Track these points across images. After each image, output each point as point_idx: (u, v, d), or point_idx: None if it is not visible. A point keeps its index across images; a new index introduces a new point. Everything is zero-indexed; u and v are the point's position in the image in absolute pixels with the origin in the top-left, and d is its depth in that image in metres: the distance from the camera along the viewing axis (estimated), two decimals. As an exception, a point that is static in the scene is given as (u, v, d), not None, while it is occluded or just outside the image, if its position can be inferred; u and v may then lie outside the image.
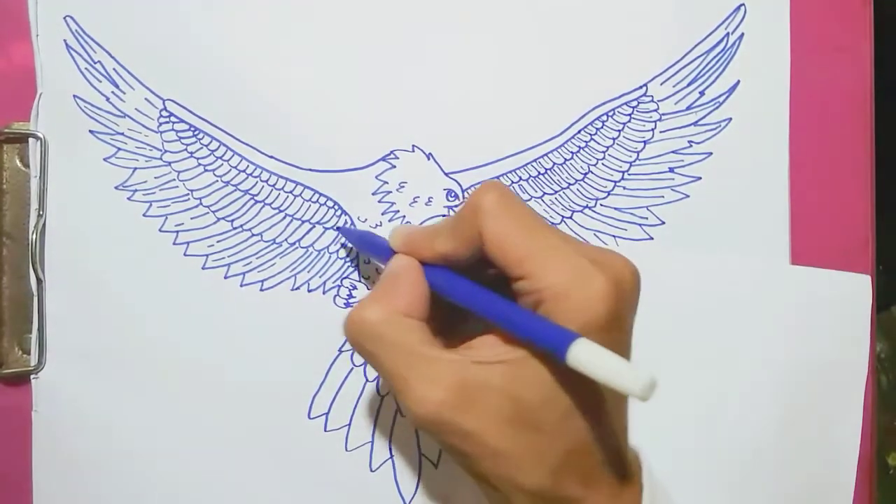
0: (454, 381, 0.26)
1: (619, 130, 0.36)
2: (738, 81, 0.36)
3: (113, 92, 0.35)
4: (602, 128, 0.36)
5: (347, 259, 0.36)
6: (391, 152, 0.36)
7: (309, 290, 0.35)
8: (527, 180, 0.36)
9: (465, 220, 0.28)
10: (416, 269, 0.30)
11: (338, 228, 0.35)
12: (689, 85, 0.36)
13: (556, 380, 0.26)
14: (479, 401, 0.26)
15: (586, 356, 0.24)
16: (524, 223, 0.27)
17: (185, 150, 0.35)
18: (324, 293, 0.36)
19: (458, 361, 0.27)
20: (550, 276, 0.26)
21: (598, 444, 0.27)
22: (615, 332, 0.26)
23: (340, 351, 0.35)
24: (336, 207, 0.36)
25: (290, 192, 0.35)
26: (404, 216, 0.36)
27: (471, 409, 0.26)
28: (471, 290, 0.28)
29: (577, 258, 0.27)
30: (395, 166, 0.36)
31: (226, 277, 0.35)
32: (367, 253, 0.35)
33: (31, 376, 0.35)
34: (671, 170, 0.36)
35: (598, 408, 0.27)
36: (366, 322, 0.28)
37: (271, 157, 0.35)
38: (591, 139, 0.36)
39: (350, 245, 0.36)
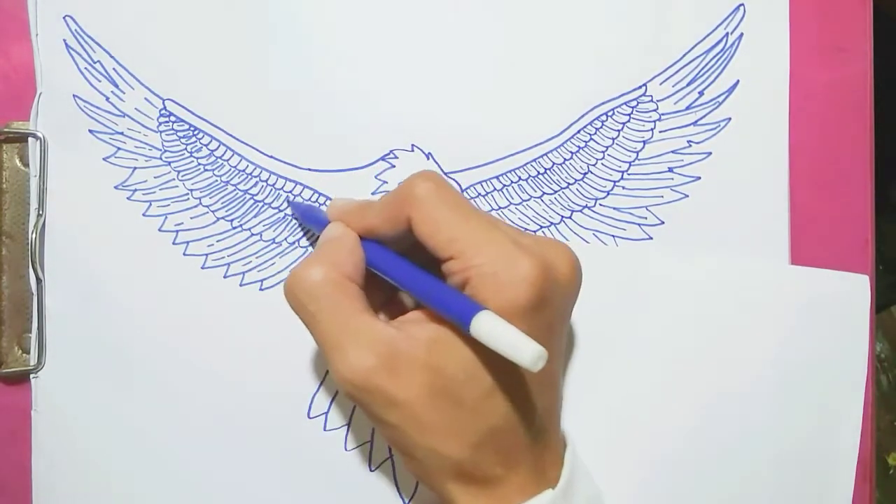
0: (385, 350, 0.27)
1: (619, 130, 0.36)
2: (738, 81, 0.36)
3: (112, 91, 0.35)
4: (601, 128, 0.36)
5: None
6: (391, 152, 0.36)
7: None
8: (526, 180, 0.36)
9: (394, 203, 0.29)
10: (354, 236, 0.30)
11: (288, 201, 0.35)
12: (688, 85, 0.36)
13: (478, 359, 0.27)
14: (406, 371, 0.27)
15: (486, 327, 0.25)
16: (456, 207, 0.28)
17: (185, 149, 0.35)
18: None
19: (390, 331, 0.27)
20: (478, 257, 0.27)
21: (520, 425, 0.28)
22: (539, 315, 0.27)
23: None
24: (335, 207, 0.36)
25: (290, 191, 0.35)
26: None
27: (399, 379, 0.27)
28: (396, 264, 0.29)
29: (505, 241, 0.27)
30: (394, 166, 0.36)
31: (225, 277, 0.35)
32: (309, 226, 0.35)
33: (31, 376, 0.35)
34: (670, 170, 0.36)
35: (520, 389, 0.28)
36: (310, 281, 0.28)
37: (271, 157, 0.35)
38: (591, 139, 0.36)
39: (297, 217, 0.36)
